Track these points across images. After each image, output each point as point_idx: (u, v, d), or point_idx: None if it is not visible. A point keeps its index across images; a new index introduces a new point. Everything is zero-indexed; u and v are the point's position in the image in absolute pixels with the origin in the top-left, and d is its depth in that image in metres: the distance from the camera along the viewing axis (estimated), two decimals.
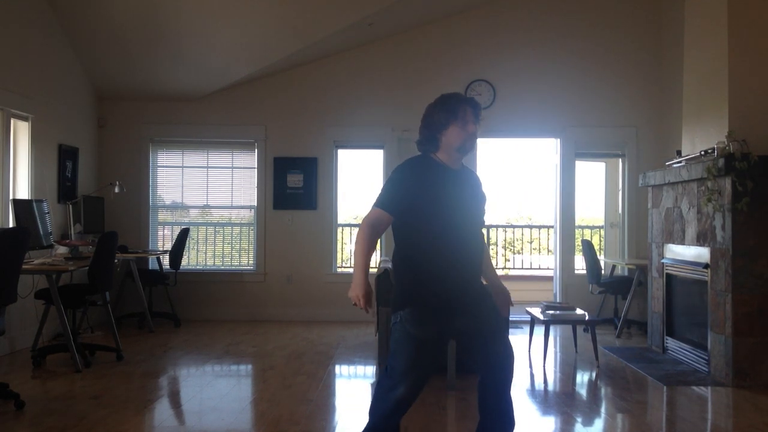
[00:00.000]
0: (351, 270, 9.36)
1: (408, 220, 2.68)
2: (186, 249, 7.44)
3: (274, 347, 6.11)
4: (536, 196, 12.43)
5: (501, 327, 2.77)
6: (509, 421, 2.77)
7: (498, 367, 2.71)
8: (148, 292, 7.08)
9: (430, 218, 2.65)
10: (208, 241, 8.03)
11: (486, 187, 2.96)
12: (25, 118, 6.04)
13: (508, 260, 11.30)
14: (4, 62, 5.74)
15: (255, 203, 7.76)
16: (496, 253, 11.01)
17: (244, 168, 7.83)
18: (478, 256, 2.78)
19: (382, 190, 2.73)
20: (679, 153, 5.88)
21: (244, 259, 7.94)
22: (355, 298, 2.64)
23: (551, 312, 5.63)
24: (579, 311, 5.76)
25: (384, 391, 2.68)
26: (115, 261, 5.80)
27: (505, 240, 11.37)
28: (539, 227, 11.26)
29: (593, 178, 8.44)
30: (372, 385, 4.82)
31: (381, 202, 2.68)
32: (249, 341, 6.40)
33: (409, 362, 2.63)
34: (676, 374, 5.12)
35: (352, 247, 10.34)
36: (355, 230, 10.50)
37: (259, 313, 7.65)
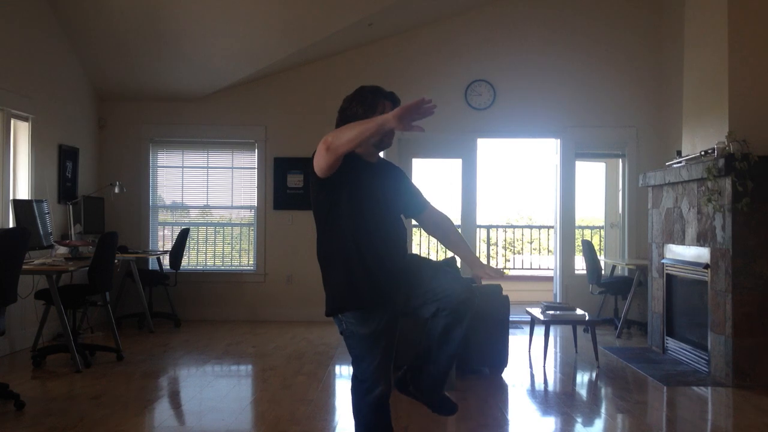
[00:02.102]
0: None
1: (335, 216, 2.58)
2: (186, 249, 7.44)
3: (274, 347, 6.11)
4: (536, 196, 12.45)
5: (437, 269, 2.60)
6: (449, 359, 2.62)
7: (447, 297, 2.51)
8: (148, 293, 7.08)
9: (355, 214, 2.57)
10: (208, 241, 8.03)
11: (413, 179, 2.82)
12: (25, 119, 6.04)
13: (508, 260, 11.30)
14: (4, 62, 5.74)
15: (255, 203, 7.76)
16: (497, 253, 11.02)
17: (244, 168, 7.83)
18: (404, 244, 2.72)
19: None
20: (679, 153, 5.88)
21: (244, 260, 7.94)
22: (395, 115, 2.30)
23: (551, 312, 5.63)
24: (579, 311, 5.76)
25: (361, 397, 2.63)
26: (115, 261, 5.80)
27: (505, 240, 11.37)
28: (539, 227, 11.26)
29: (593, 178, 8.45)
30: None
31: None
32: (249, 341, 6.40)
33: (373, 360, 2.59)
34: (676, 374, 5.12)
35: None
36: None
37: (259, 313, 7.65)
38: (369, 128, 2.36)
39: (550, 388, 4.97)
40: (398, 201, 2.75)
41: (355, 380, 2.66)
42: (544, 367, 5.45)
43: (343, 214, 2.58)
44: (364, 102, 2.65)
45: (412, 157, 7.77)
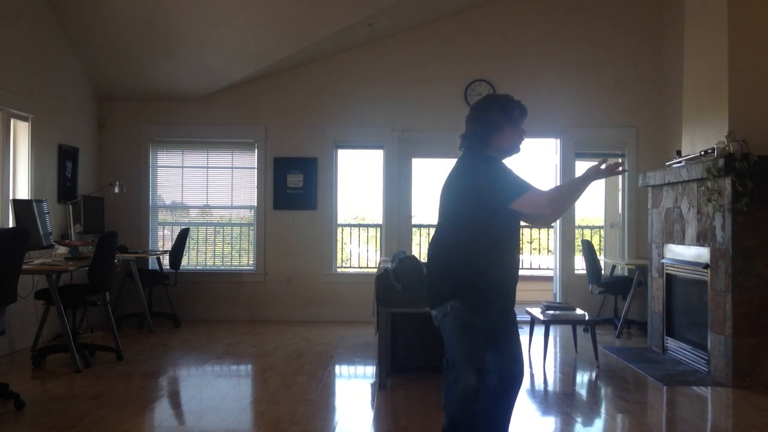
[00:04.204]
0: (350, 270, 9.37)
1: (482, 214, 2.74)
2: (186, 249, 7.44)
3: (274, 347, 6.11)
4: None
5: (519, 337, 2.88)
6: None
7: (518, 372, 2.82)
8: (148, 292, 7.08)
9: (498, 215, 2.74)
10: (208, 241, 8.03)
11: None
12: (25, 118, 6.03)
13: None
14: (4, 62, 5.74)
15: (255, 203, 7.76)
16: None
17: (244, 168, 7.83)
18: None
19: (511, 180, 2.76)
20: (679, 153, 5.88)
21: (244, 260, 7.94)
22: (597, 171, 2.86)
23: (551, 312, 5.63)
24: (579, 311, 5.76)
25: (450, 384, 2.73)
26: (115, 261, 5.80)
27: None
28: (539, 227, 11.23)
29: None
30: (372, 385, 4.82)
31: (527, 186, 2.73)
32: (249, 341, 6.40)
33: (468, 350, 2.69)
34: (676, 374, 5.12)
35: (352, 247, 10.33)
36: (355, 230, 10.41)
37: (259, 313, 7.65)
38: (572, 186, 2.89)
39: (550, 388, 4.97)
40: None
41: (446, 365, 2.76)
42: (544, 367, 5.45)
43: (500, 219, 2.75)
44: (503, 111, 2.90)
45: (412, 156, 7.77)
